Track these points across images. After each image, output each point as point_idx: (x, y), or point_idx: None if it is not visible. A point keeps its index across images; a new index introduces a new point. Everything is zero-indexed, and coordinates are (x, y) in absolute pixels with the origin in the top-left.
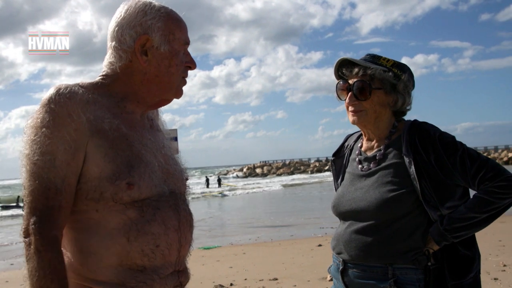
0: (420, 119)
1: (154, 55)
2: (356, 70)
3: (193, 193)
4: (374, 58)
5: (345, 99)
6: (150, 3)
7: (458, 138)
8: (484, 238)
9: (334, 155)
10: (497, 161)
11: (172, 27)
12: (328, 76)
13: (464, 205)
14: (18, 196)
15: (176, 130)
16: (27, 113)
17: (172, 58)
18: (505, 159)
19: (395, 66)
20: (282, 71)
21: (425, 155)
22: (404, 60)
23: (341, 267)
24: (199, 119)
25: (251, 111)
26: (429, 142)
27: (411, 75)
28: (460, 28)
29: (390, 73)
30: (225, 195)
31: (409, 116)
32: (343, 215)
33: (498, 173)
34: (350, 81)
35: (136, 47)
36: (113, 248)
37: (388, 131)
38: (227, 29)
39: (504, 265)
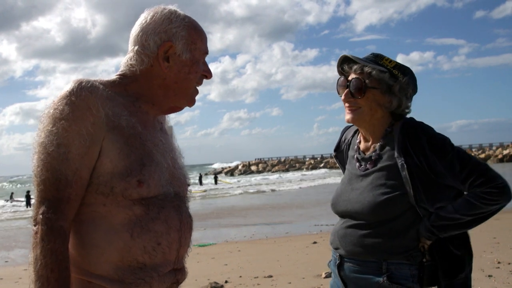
0: (416, 116)
1: (176, 62)
2: (355, 67)
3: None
4: (377, 58)
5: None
6: (176, 11)
7: (453, 136)
8: (479, 235)
9: (335, 150)
10: (491, 158)
11: (195, 36)
12: (324, 73)
13: (452, 204)
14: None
15: (171, 127)
16: (21, 110)
17: (192, 66)
18: (499, 156)
19: (396, 68)
20: (277, 68)
21: (416, 158)
22: (399, 58)
23: (337, 262)
24: (194, 116)
25: (246, 108)
26: (419, 145)
27: (412, 78)
28: (456, 25)
29: (387, 74)
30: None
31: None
32: (340, 214)
33: (489, 179)
34: (349, 78)
35: (159, 53)
36: (116, 243)
37: (384, 130)
38: (222, 26)
39: (499, 262)
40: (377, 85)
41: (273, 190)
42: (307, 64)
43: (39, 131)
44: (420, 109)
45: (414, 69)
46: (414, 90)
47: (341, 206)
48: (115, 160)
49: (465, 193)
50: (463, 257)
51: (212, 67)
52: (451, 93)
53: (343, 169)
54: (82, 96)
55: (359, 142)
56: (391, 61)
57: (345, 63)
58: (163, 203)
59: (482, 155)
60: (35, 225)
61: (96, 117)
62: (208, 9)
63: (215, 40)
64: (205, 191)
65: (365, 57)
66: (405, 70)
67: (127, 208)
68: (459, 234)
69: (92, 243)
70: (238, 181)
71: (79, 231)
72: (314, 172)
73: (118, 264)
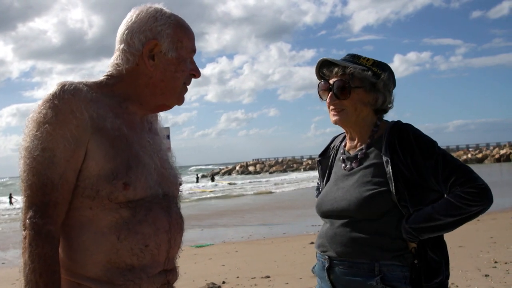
0: (413, 116)
1: (161, 61)
2: (336, 69)
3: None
4: (354, 58)
5: (326, 99)
6: (161, 10)
7: (450, 136)
8: (476, 234)
9: (320, 155)
10: (488, 158)
11: (181, 34)
12: None
13: (432, 205)
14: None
15: (168, 128)
16: (18, 111)
17: (178, 65)
18: (496, 156)
19: (375, 65)
20: (274, 68)
21: (403, 156)
22: (396, 58)
23: (327, 265)
24: (192, 117)
25: (243, 109)
26: (407, 143)
27: (391, 74)
28: (452, 26)
29: (369, 72)
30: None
31: (402, 113)
32: (325, 214)
33: (469, 180)
34: (331, 81)
35: (144, 51)
36: (103, 245)
37: (370, 130)
38: (218, 26)
39: (495, 262)
40: (361, 84)
41: (270, 191)
42: (304, 64)
43: (25, 136)
44: (418, 109)
45: (411, 69)
46: (394, 84)
47: (326, 206)
48: (101, 162)
49: (445, 195)
50: (439, 261)
51: (209, 67)
52: (448, 93)
53: (321, 177)
54: (64, 99)
55: (345, 144)
56: (368, 59)
57: (324, 67)
58: (150, 205)
59: (479, 155)
60: (24, 230)
61: (79, 119)
62: (205, 10)
63: (212, 40)
64: (212, 191)
65: (342, 58)
66: (384, 67)
67: (113, 211)
68: (435, 237)
69: (80, 246)
70: (236, 182)
71: (67, 236)
72: (312, 172)
73: (106, 265)
